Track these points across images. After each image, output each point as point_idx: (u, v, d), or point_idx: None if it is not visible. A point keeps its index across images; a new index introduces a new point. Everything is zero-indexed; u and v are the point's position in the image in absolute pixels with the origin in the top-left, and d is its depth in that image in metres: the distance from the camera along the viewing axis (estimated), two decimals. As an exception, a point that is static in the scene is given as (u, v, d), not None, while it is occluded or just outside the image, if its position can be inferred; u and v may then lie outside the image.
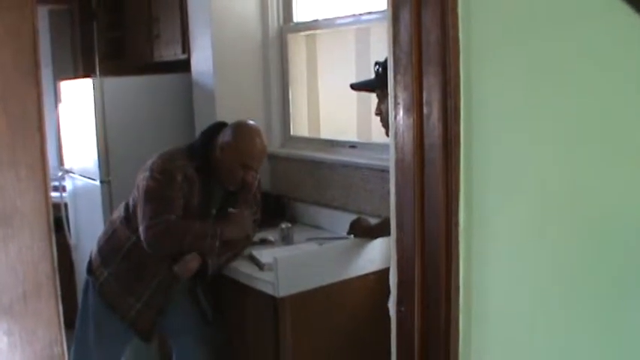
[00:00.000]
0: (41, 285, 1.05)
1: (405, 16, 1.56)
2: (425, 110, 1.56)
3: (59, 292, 1.08)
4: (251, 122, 3.35)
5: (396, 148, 1.64)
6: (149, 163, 3.20)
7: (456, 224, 1.55)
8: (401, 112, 1.61)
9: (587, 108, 1.32)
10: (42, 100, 1.02)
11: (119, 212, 3.33)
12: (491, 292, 1.55)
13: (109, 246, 3.29)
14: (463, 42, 1.50)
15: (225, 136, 3.22)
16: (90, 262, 3.38)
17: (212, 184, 3.24)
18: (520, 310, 1.50)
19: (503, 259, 1.52)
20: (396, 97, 1.62)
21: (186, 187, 3.14)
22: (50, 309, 1.06)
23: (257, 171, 3.30)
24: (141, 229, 3.10)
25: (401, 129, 1.62)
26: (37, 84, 1.02)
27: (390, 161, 1.69)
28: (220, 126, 3.32)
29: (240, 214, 3.25)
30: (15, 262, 1.02)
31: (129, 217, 3.22)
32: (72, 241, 4.96)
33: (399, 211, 1.67)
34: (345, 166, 3.88)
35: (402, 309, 1.69)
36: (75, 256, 4.87)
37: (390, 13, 1.61)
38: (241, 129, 3.29)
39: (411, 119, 1.58)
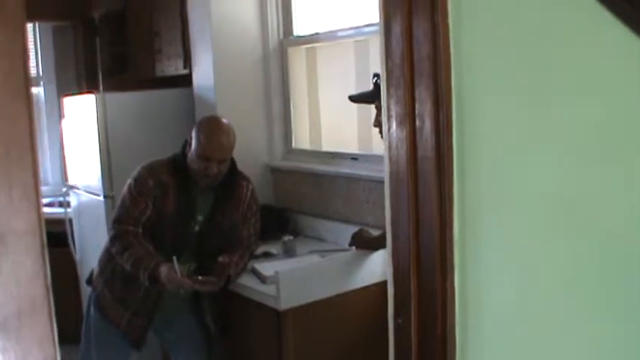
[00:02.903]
0: (35, 302, 1.06)
1: (397, 28, 1.58)
2: (417, 123, 1.57)
3: (53, 310, 1.09)
4: (216, 116, 3.38)
5: (390, 160, 1.66)
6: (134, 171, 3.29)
7: (451, 235, 1.56)
8: (394, 125, 1.63)
9: (580, 120, 1.33)
10: (33, 121, 1.03)
11: None
12: (487, 303, 1.56)
13: (104, 256, 3.33)
14: (454, 54, 1.51)
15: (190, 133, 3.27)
16: (91, 274, 3.46)
17: (195, 191, 3.25)
18: (516, 320, 1.51)
19: (498, 269, 1.53)
20: (389, 109, 1.64)
21: (159, 193, 3.18)
22: (44, 326, 1.07)
23: (220, 163, 3.20)
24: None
25: (394, 141, 1.63)
26: (29, 104, 1.04)
27: (384, 173, 1.70)
28: None
29: (174, 276, 3.03)
30: (9, 279, 1.03)
31: None
32: (77, 256, 4.98)
33: (394, 223, 1.68)
34: (347, 178, 3.89)
35: (400, 320, 1.70)
36: (80, 271, 4.88)
37: (381, 26, 1.63)
38: (201, 122, 3.33)
39: (404, 132, 1.60)
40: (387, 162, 1.67)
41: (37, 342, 1.07)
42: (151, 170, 3.24)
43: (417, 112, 1.57)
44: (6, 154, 1.03)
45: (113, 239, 3.21)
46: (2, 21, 0.99)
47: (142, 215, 3.18)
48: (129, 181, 3.26)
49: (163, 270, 3.05)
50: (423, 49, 1.54)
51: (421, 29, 1.53)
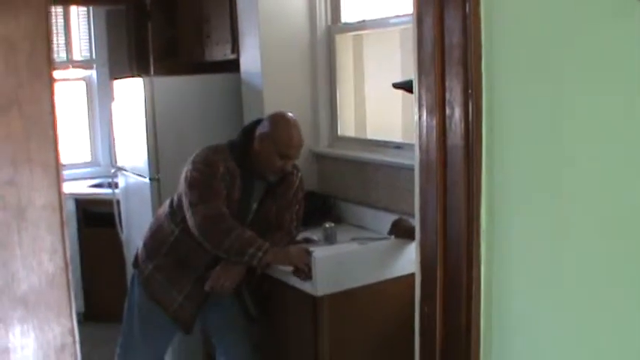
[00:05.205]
0: (54, 276, 1.10)
1: (428, 18, 1.57)
2: (447, 111, 1.57)
3: (71, 284, 1.13)
4: (287, 113, 3.40)
5: (420, 148, 1.66)
6: (192, 157, 3.28)
7: (478, 226, 1.56)
8: (424, 113, 1.62)
9: (611, 108, 1.31)
10: (54, 100, 1.07)
11: (164, 208, 3.42)
12: (512, 295, 1.55)
13: (154, 240, 3.37)
14: (485, 44, 1.50)
15: (262, 127, 3.28)
16: (136, 257, 3.48)
17: (253, 180, 3.28)
18: (541, 312, 1.50)
19: (524, 261, 1.52)
20: (420, 97, 1.64)
21: (229, 180, 3.20)
22: (62, 300, 1.11)
23: (294, 160, 3.30)
24: (188, 215, 3.15)
25: (424, 130, 1.63)
26: (51, 84, 1.07)
27: (414, 162, 1.70)
28: (260, 121, 3.38)
29: (297, 250, 3.19)
30: (28, 253, 1.07)
31: (173, 212, 3.30)
32: (123, 236, 5.07)
33: (422, 211, 1.69)
34: (390, 166, 3.88)
35: (425, 308, 1.70)
36: (126, 251, 4.97)
37: (414, 16, 1.63)
38: (278, 119, 3.34)
39: (434, 120, 1.59)
40: (416, 150, 1.67)
41: (55, 316, 1.10)
42: (218, 155, 3.24)
43: (447, 100, 1.57)
44: (28, 133, 1.06)
45: (207, 220, 3.11)
46: (26, 3, 1.03)
47: (224, 199, 3.18)
48: (194, 166, 3.21)
49: (293, 249, 3.20)
50: (453, 38, 1.53)
51: (452, 19, 1.53)
